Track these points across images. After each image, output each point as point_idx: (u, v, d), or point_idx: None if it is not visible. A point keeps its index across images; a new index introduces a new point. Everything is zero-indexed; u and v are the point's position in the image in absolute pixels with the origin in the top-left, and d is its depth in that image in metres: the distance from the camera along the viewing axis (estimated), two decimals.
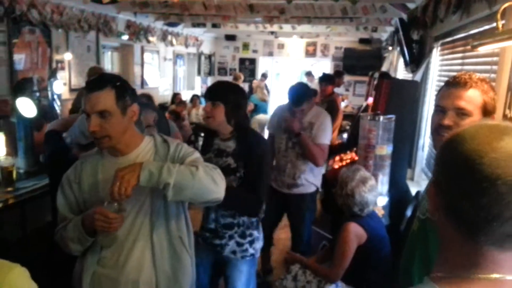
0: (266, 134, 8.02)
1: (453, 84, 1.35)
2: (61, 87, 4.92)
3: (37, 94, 4.01)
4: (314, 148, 3.09)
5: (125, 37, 6.66)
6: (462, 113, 1.32)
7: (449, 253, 0.76)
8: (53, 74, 4.89)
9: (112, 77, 1.65)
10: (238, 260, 2.30)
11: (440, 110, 1.37)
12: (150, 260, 1.68)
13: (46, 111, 4.22)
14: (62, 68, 5.32)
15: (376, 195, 2.56)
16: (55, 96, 4.73)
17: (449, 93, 1.35)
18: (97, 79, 1.62)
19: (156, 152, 1.70)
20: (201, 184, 1.55)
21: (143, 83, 7.56)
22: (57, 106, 4.74)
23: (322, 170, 3.36)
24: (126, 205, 1.57)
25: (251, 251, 2.31)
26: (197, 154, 1.74)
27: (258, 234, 2.36)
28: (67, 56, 5.37)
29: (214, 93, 2.20)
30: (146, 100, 3.93)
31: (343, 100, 8.45)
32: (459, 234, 0.73)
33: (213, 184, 1.59)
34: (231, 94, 2.21)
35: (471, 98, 1.32)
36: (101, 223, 1.51)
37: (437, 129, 1.37)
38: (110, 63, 7.01)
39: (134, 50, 7.20)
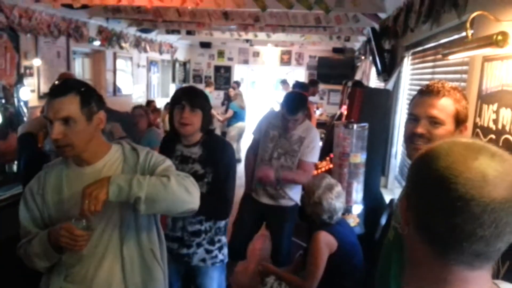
0: (244, 141, 7.95)
1: (426, 93, 1.36)
2: (28, 93, 4.75)
3: (3, 101, 3.87)
4: (298, 177, 3.01)
5: (97, 43, 6.53)
6: (434, 121, 1.33)
7: (417, 269, 0.75)
8: (19, 80, 4.72)
9: (77, 83, 1.58)
10: (209, 267, 2.27)
11: (413, 119, 1.37)
12: (120, 274, 1.62)
13: (12, 119, 4.08)
14: (31, 74, 5.14)
15: (344, 201, 2.56)
16: (22, 103, 4.57)
17: (422, 102, 1.36)
18: (61, 85, 1.55)
19: (125, 160, 1.63)
20: (174, 196, 1.50)
21: (115, 90, 7.42)
22: (24, 113, 4.57)
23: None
24: (94, 221, 1.50)
25: (220, 257, 2.29)
26: (168, 162, 1.68)
27: (226, 239, 2.36)
28: (36, 62, 5.20)
29: (194, 100, 2.16)
30: (144, 112, 3.86)
31: (317, 108, 8.53)
32: (429, 250, 0.71)
33: (186, 194, 1.53)
34: (207, 101, 2.23)
35: (444, 106, 1.33)
36: (66, 240, 1.44)
37: (410, 137, 1.37)
38: (81, 69, 6.85)
39: (106, 56, 7.05)
